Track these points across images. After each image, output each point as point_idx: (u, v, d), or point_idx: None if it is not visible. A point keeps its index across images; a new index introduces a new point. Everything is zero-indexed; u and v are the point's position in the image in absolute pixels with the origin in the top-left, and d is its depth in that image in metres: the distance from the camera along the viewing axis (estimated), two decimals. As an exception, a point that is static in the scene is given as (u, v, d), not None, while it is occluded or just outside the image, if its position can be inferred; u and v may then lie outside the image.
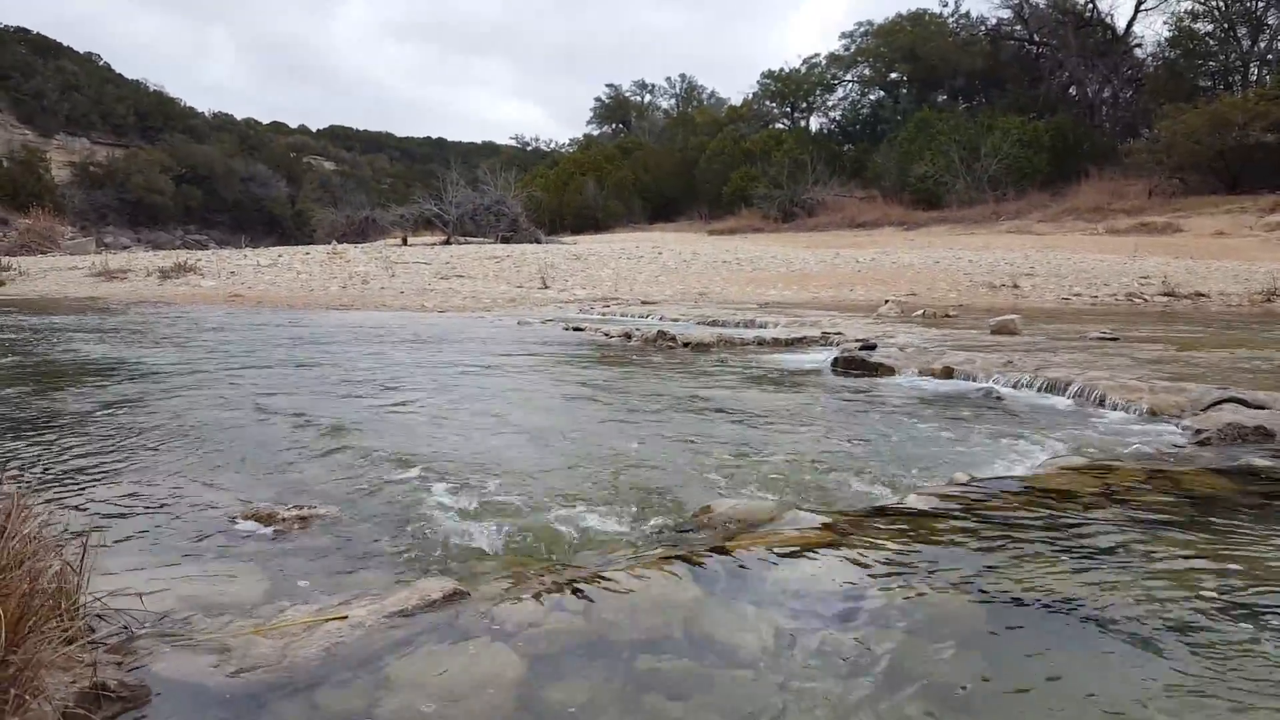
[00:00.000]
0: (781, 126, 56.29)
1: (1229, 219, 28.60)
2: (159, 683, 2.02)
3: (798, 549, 2.89)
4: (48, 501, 3.37)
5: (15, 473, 3.83)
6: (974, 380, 6.54)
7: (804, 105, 57.70)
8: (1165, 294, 15.03)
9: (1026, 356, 7.18)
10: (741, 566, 2.77)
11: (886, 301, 13.83)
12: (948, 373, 6.75)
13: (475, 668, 2.14)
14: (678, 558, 2.83)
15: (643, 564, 2.79)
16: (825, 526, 3.12)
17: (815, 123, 58.01)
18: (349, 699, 1.99)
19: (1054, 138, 39.58)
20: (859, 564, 2.79)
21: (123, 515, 3.35)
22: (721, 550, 2.89)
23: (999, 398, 5.94)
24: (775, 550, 2.87)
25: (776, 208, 44.04)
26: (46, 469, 3.99)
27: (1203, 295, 14.91)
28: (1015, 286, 16.46)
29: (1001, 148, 38.24)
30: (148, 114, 68.28)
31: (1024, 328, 9.75)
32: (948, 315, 12.48)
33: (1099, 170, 36.55)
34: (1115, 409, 5.43)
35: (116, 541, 3.04)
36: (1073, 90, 45.92)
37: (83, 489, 3.69)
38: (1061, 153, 38.88)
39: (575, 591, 2.56)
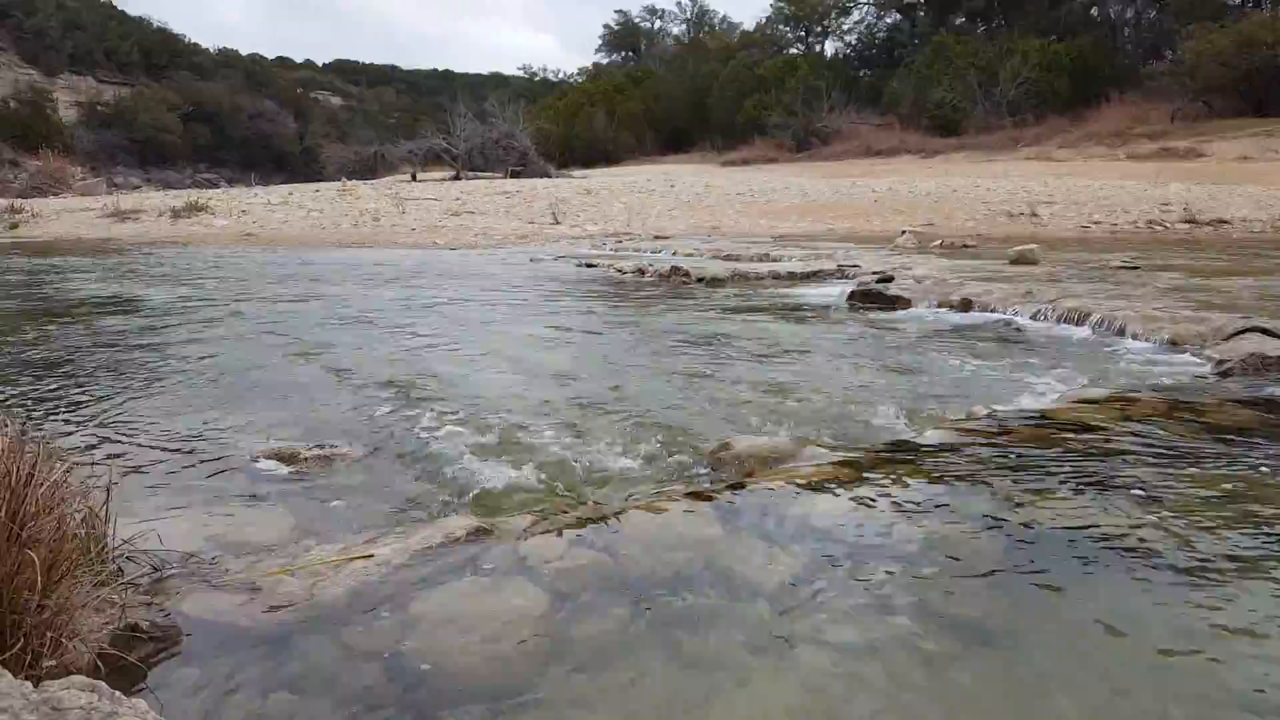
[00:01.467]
0: (796, 52, 54.94)
1: (1254, 143, 27.90)
2: (189, 622, 2.05)
3: (816, 485, 2.90)
4: (70, 443, 3.40)
5: (38, 417, 3.87)
6: (993, 311, 6.47)
7: (819, 29, 56.26)
8: (1187, 221, 14.74)
9: (1046, 287, 7.09)
10: (761, 503, 2.78)
11: (903, 232, 13.63)
12: (966, 304, 6.68)
13: (501, 604, 2.17)
14: (697, 494, 2.85)
15: (663, 500, 2.81)
16: (844, 462, 3.13)
17: (830, 48, 56.74)
18: (378, 636, 2.02)
19: (1074, 61, 38.48)
20: (877, 500, 2.79)
21: (146, 455, 3.38)
22: (741, 487, 2.90)
23: (1018, 329, 5.89)
24: (794, 486, 2.88)
25: (791, 136, 43.20)
26: (69, 409, 4.02)
27: (1225, 222, 14.63)
28: (1034, 215, 16.19)
29: (1021, 72, 37.24)
30: (152, 51, 67.06)
31: (1043, 257, 9.61)
32: (966, 245, 12.31)
33: (1120, 94, 35.64)
34: (1136, 339, 5.37)
35: (139, 479, 3.08)
36: (1094, 11, 44.56)
37: (104, 428, 3.72)
38: (1082, 76, 37.83)
39: (597, 528, 2.58)
